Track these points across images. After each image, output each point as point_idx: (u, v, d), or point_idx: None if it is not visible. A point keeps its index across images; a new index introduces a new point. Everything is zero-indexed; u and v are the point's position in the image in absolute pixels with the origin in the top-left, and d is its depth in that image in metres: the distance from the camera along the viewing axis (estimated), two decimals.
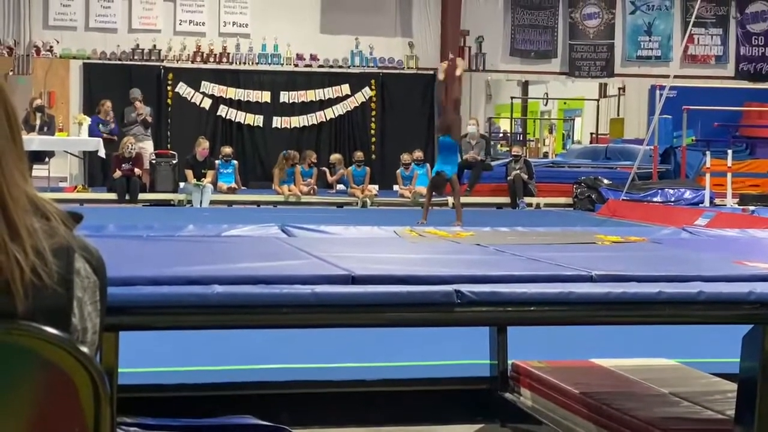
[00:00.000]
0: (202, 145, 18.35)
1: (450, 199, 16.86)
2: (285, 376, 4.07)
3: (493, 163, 20.05)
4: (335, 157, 20.06)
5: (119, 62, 20.80)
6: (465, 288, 2.29)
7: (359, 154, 19.75)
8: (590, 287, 2.42)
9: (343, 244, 3.29)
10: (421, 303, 2.28)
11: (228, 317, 2.24)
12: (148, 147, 18.64)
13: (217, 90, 21.15)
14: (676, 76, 18.39)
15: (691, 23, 18.80)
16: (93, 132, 18.35)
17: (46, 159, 17.95)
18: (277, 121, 21.34)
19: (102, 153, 17.83)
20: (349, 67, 21.87)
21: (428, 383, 3.93)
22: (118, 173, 17.65)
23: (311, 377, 3.96)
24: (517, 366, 3.78)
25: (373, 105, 21.88)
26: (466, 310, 2.28)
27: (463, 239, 3.49)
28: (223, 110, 21.16)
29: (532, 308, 2.33)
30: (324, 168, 19.90)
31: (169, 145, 20.26)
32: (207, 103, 21.10)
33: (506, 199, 18.90)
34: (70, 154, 18.87)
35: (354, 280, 2.38)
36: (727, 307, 2.40)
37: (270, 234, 3.59)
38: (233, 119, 21.23)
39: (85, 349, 1.40)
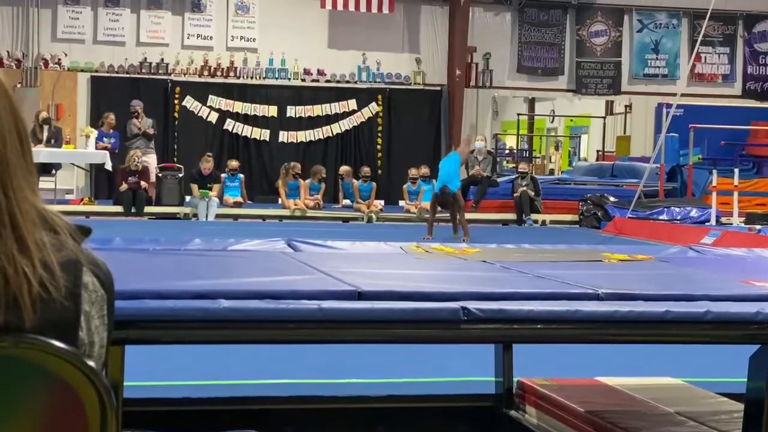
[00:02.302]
0: (207, 164, 18.35)
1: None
2: (290, 391, 4.06)
3: (499, 180, 20.07)
4: (344, 169, 20.03)
5: (127, 75, 20.87)
6: (471, 305, 2.28)
7: (365, 170, 19.76)
8: (597, 305, 2.41)
9: (349, 259, 3.29)
10: (428, 320, 2.27)
11: (234, 332, 2.24)
12: (151, 160, 18.65)
13: (224, 104, 21.20)
14: (683, 95, 18.40)
15: (699, 42, 18.85)
16: (97, 145, 18.40)
17: (53, 171, 17.98)
18: (284, 136, 21.38)
19: (108, 166, 17.87)
20: (356, 82, 21.92)
21: (433, 400, 3.91)
22: (124, 186, 17.68)
23: (316, 392, 3.95)
24: (522, 383, 3.76)
25: (379, 120, 21.91)
26: (473, 327, 2.27)
27: (470, 256, 3.48)
28: (229, 124, 21.20)
29: (539, 326, 2.32)
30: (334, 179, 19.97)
31: (175, 159, 20.29)
32: (214, 117, 21.15)
33: (512, 216, 18.89)
34: (77, 166, 18.91)
35: (360, 295, 2.37)
36: (735, 327, 2.40)
37: (276, 248, 3.58)
38: (240, 133, 21.27)
39: (91, 363, 1.40)
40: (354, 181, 19.55)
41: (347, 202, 19.59)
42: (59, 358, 1.37)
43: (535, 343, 2.89)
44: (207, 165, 18.35)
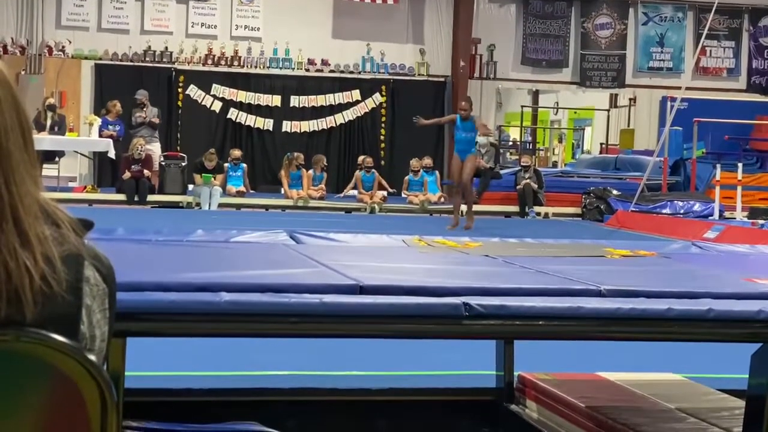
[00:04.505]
0: (210, 162, 18.31)
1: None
2: (291, 383, 4.07)
3: (501, 172, 20.06)
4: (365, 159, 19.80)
5: (131, 63, 20.86)
6: (473, 301, 2.28)
7: (368, 160, 19.73)
8: (599, 302, 2.41)
9: (351, 252, 3.29)
10: (429, 315, 2.27)
11: (236, 325, 2.24)
12: (155, 149, 18.65)
13: (228, 93, 21.19)
14: (687, 88, 18.40)
15: (704, 35, 18.81)
16: (102, 132, 18.40)
17: (56, 158, 18.00)
18: (287, 125, 21.37)
19: (112, 154, 17.87)
20: (360, 72, 21.90)
21: (434, 393, 3.92)
22: (127, 174, 17.67)
23: (317, 384, 3.96)
24: (523, 378, 3.76)
25: (383, 111, 21.90)
26: (474, 323, 2.27)
27: (472, 250, 3.48)
28: (233, 113, 21.19)
29: (540, 322, 2.32)
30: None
31: (178, 147, 20.29)
32: (217, 106, 21.14)
33: (515, 208, 18.89)
34: (80, 154, 18.91)
35: (362, 290, 2.37)
36: (737, 326, 2.39)
37: (278, 240, 3.58)
38: (243, 122, 21.26)
39: (92, 357, 1.40)
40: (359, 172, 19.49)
41: (351, 192, 19.62)
42: (60, 352, 1.37)
43: (537, 340, 2.88)
44: (210, 164, 18.34)
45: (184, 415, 3.36)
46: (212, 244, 3.33)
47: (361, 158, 19.92)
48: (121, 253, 2.92)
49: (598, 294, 2.50)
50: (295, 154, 19.12)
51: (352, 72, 21.87)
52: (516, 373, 3.79)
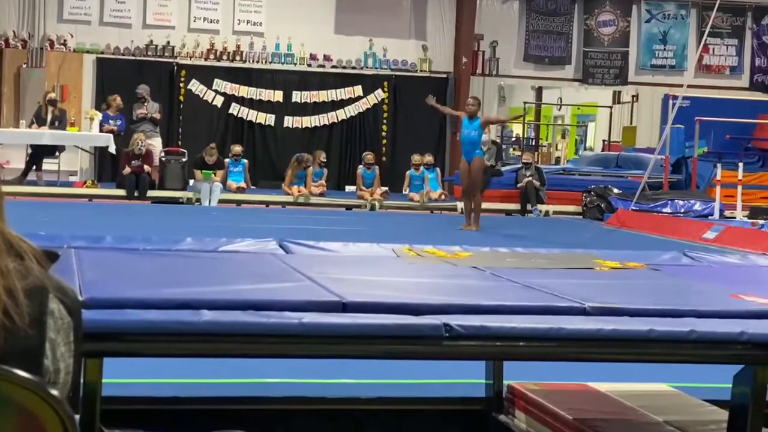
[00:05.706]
0: (210, 157, 18.27)
1: (459, 205, 16.87)
2: (277, 391, 4.06)
3: (503, 169, 20.02)
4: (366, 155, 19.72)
5: (133, 58, 20.81)
6: (454, 321, 2.27)
7: (369, 156, 19.67)
8: (582, 322, 2.40)
9: (339, 264, 3.27)
10: (410, 336, 2.26)
11: (214, 346, 2.22)
12: (156, 144, 18.61)
13: (230, 88, 21.14)
14: (689, 86, 18.35)
15: (707, 33, 18.74)
16: (103, 127, 18.38)
17: (57, 153, 17.99)
18: (289, 121, 21.33)
19: (112, 149, 17.85)
20: (362, 68, 21.86)
21: (423, 402, 3.91)
22: (127, 170, 17.63)
23: (305, 393, 3.95)
24: (512, 388, 3.75)
25: (385, 107, 21.86)
26: (454, 344, 2.26)
27: (461, 261, 3.46)
28: (234, 108, 21.15)
29: (521, 343, 2.31)
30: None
31: (180, 143, 20.26)
32: (219, 101, 21.10)
33: (516, 206, 18.85)
34: (81, 149, 18.89)
35: (345, 307, 2.36)
36: (719, 347, 2.38)
37: (267, 249, 3.57)
38: (245, 118, 21.21)
39: (55, 392, 1.39)
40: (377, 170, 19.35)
41: (352, 188, 19.57)
42: (23, 387, 1.36)
43: (518, 360, 2.87)
44: (211, 158, 18.30)
45: (171, 424, 3.36)
46: (199, 255, 3.31)
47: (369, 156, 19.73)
48: (107, 265, 2.91)
49: (583, 312, 2.49)
50: (305, 155, 18.98)
51: (354, 68, 21.83)
52: (505, 383, 3.78)
